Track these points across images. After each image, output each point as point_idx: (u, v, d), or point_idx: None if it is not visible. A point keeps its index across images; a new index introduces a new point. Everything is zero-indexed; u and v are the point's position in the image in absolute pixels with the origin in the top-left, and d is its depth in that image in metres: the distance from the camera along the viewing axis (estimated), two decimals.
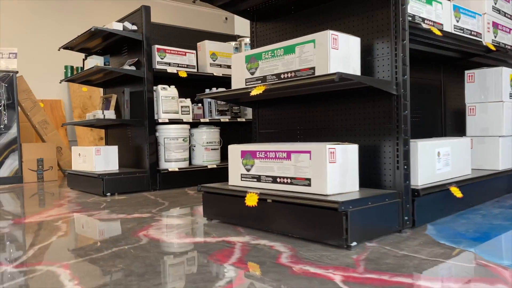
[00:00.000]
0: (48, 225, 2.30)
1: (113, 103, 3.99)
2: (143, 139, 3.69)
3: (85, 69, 3.61)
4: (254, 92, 1.92)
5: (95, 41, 3.89)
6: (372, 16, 1.96)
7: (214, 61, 4.10)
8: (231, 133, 4.63)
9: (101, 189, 3.35)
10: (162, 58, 3.74)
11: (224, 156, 4.46)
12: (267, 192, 1.90)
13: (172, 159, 3.73)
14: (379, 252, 1.59)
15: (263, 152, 2.03)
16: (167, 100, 3.73)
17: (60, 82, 4.01)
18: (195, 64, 3.97)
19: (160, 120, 3.66)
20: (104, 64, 3.84)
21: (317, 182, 1.77)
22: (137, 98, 3.74)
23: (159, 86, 3.71)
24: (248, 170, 2.11)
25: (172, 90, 3.78)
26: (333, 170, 1.75)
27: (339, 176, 1.78)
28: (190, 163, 3.95)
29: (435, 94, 3.05)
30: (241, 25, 5.26)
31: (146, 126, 3.60)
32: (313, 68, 1.83)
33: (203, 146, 3.95)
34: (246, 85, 2.16)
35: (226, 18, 8.63)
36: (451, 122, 3.14)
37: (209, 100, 4.12)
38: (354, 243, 1.64)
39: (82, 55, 6.27)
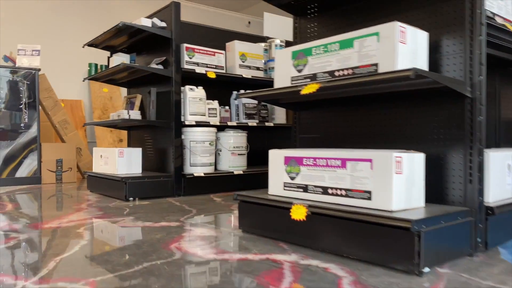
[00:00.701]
0: (69, 232, 2.11)
1: (137, 103, 3.82)
2: (168, 142, 3.50)
3: (110, 67, 3.45)
4: (305, 91, 1.70)
5: (121, 38, 3.73)
6: (441, 8, 1.73)
7: (243, 62, 3.91)
8: (256, 138, 4.42)
9: (124, 193, 3.16)
10: (190, 58, 3.56)
11: (250, 162, 4.25)
12: (317, 205, 1.67)
13: (197, 163, 3.53)
14: (458, 281, 1.34)
15: (311, 159, 1.80)
16: (194, 101, 3.54)
17: (84, 80, 3.85)
18: (223, 65, 3.78)
19: (186, 122, 3.47)
20: (130, 62, 3.67)
21: (379, 196, 1.53)
22: (163, 98, 3.56)
23: (187, 87, 3.53)
24: (292, 178, 1.89)
25: (200, 91, 3.59)
26: (399, 182, 1.52)
27: (405, 190, 1.54)
28: (215, 168, 3.74)
29: (488, 101, 2.78)
30: (270, 27, 5.06)
31: (172, 128, 3.41)
32: (376, 65, 1.60)
33: (230, 150, 3.74)
34: (291, 83, 1.95)
35: (249, 22, 8.47)
36: (507, 132, 2.87)
37: (236, 102, 3.93)
38: (427, 269, 1.40)
39: (104, 55, 6.15)
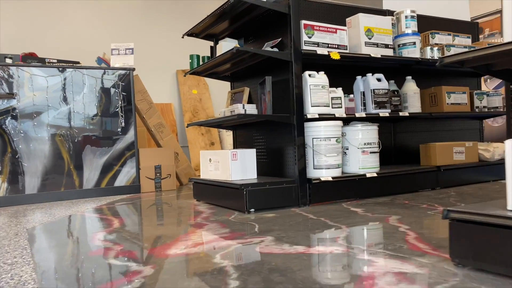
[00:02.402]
0: (205, 262, 1.56)
1: (245, 98, 3.29)
2: (286, 140, 2.91)
3: (218, 54, 2.93)
4: None
5: (223, 24, 3.22)
6: None
7: (369, 39, 3.21)
8: (385, 132, 3.68)
9: (243, 203, 2.62)
10: (309, 37, 2.94)
11: (383, 161, 3.54)
12: None
13: (322, 165, 2.89)
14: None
15: None
16: (316, 89, 2.91)
17: (185, 75, 3.40)
18: (346, 43, 3.11)
19: (308, 116, 2.85)
20: None
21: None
22: (277, 90, 2.98)
23: (306, 73, 2.91)
24: None
25: (322, 77, 2.95)
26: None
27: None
28: (342, 171, 3.08)
29: None
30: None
31: (293, 123, 2.81)
32: None
33: (360, 148, 3.06)
34: None
35: None
36: None
37: (362, 89, 3.23)
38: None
39: (197, 50, 5.74)
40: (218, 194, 2.95)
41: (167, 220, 2.54)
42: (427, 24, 3.88)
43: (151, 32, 6.16)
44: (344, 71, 3.47)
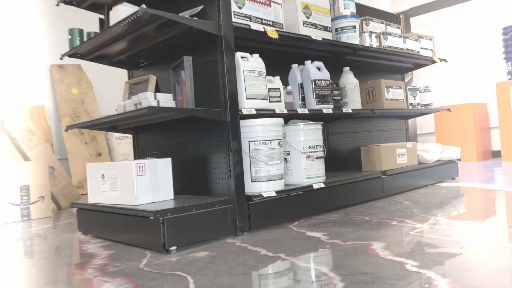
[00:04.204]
0: None
1: (150, 89, 2.42)
2: (215, 144, 2.13)
3: (112, 24, 2.03)
4: None
5: None
6: None
7: (307, 18, 2.61)
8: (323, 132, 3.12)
9: (159, 239, 1.76)
10: (240, 7, 2.22)
11: (328, 167, 2.97)
12: None
13: (262, 176, 2.18)
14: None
15: None
16: (252, 77, 2.19)
17: (62, 58, 2.40)
18: (282, 21, 2.46)
19: (244, 111, 2.11)
20: None
21: None
22: (197, 77, 2.19)
23: (238, 54, 2.18)
24: None
25: (257, 61, 2.25)
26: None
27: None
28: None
29: None
30: None
31: (226, 121, 2.04)
32: None
33: (304, 153, 2.42)
34: None
35: None
36: None
37: (300, 80, 2.61)
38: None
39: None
40: (118, 225, 2.04)
41: (32, 275, 1.56)
42: (357, 12, 3.45)
43: (14, 16, 4.83)
44: (276, 56, 2.81)
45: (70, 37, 2.34)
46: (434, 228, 1.85)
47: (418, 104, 3.50)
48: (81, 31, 2.36)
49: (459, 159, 3.59)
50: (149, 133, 2.59)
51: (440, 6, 6.10)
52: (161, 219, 1.75)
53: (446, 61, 3.76)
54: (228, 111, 2.02)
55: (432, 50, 3.61)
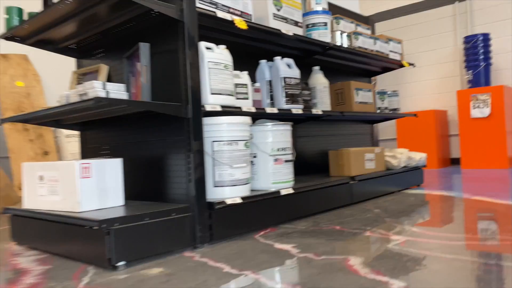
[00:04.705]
0: None
1: (101, 79, 2.15)
2: (173, 144, 1.89)
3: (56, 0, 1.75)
4: None
5: None
6: None
7: (278, 10, 2.42)
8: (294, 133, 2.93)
9: (104, 252, 1.50)
10: None
11: (297, 171, 2.79)
12: None
13: (226, 181, 1.96)
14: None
15: None
16: (217, 70, 1.97)
17: None
18: (251, 12, 2.26)
19: (207, 107, 1.89)
20: None
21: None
22: (154, 68, 1.94)
23: (202, 44, 1.95)
24: None
25: (224, 53, 2.03)
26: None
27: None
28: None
29: None
30: None
31: (188, 117, 1.81)
32: None
33: (272, 155, 2.22)
34: None
35: None
36: None
37: (268, 77, 2.42)
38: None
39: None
40: (57, 236, 1.75)
41: None
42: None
43: None
44: (240, 52, 2.60)
45: (7, 16, 2.02)
46: (411, 240, 1.70)
47: (386, 108, 3.41)
48: (20, 10, 2.05)
49: (425, 166, 3.53)
50: (99, 130, 2.31)
51: (406, 13, 6.13)
52: (107, 229, 1.49)
53: (414, 66, 3.71)
54: (189, 106, 1.79)
55: (400, 54, 3.54)
